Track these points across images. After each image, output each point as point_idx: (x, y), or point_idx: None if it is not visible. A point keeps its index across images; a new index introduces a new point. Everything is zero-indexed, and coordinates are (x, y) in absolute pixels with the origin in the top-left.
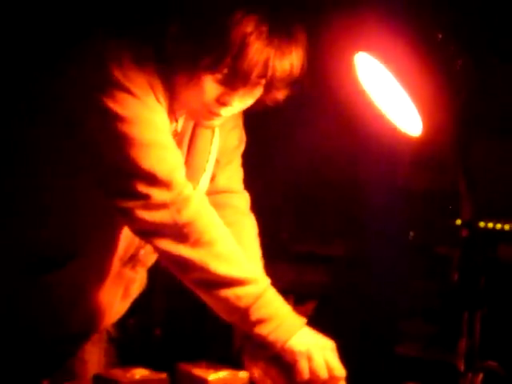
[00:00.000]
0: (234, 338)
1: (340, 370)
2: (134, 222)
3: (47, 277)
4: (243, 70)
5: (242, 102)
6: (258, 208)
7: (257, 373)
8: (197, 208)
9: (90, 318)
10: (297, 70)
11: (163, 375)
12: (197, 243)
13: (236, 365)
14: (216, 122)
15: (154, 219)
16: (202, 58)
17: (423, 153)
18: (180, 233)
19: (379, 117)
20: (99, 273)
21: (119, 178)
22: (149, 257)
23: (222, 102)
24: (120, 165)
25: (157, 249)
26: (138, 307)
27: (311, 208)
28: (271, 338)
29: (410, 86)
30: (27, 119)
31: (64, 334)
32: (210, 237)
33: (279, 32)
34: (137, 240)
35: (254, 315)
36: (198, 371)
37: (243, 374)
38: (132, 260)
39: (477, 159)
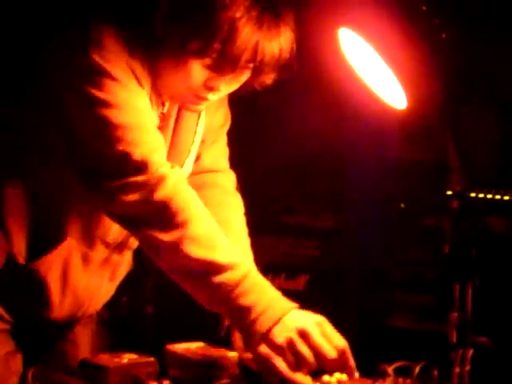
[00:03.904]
0: (222, 319)
1: (341, 341)
2: (109, 205)
3: (35, 263)
4: (232, 56)
5: (229, 86)
6: (248, 182)
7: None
8: (172, 187)
9: (78, 302)
10: (286, 53)
11: (151, 359)
12: (170, 224)
13: (226, 344)
14: (202, 106)
15: (127, 200)
16: (190, 42)
17: (412, 124)
18: (153, 214)
19: (366, 90)
20: (87, 260)
21: (94, 159)
22: (136, 242)
23: (209, 86)
24: (94, 145)
25: (132, 233)
26: (130, 285)
27: (301, 181)
28: (253, 328)
29: (394, 61)
30: (14, 102)
31: (53, 319)
32: (184, 217)
33: (269, 16)
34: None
35: (234, 304)
36: (186, 353)
37: (233, 354)
38: (120, 246)
39: (466, 129)
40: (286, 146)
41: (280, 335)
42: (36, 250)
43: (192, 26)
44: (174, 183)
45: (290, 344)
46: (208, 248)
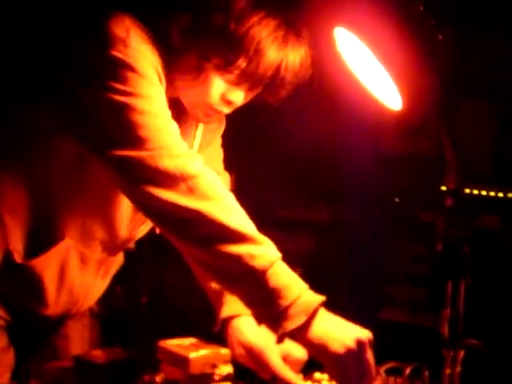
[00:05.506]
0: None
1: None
2: (138, 170)
3: (32, 262)
4: (257, 74)
5: (245, 99)
6: (243, 176)
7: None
8: (202, 167)
9: (73, 300)
10: (305, 69)
11: (144, 354)
12: (204, 196)
13: (220, 340)
14: (214, 118)
15: (159, 167)
16: (214, 58)
17: (407, 120)
18: (186, 185)
19: (361, 88)
20: (84, 260)
21: (126, 132)
22: (131, 243)
23: (226, 100)
24: (122, 133)
25: (161, 202)
26: (125, 276)
27: (296, 176)
28: (292, 311)
29: (389, 61)
30: (17, 98)
31: (47, 315)
32: (217, 192)
33: (293, 35)
34: (126, 233)
35: (271, 281)
36: (179, 349)
37: (225, 351)
38: (117, 247)
39: (461, 126)
40: (281, 142)
41: (334, 341)
42: (34, 249)
43: (217, 43)
44: (203, 165)
45: (349, 354)
46: (244, 219)
